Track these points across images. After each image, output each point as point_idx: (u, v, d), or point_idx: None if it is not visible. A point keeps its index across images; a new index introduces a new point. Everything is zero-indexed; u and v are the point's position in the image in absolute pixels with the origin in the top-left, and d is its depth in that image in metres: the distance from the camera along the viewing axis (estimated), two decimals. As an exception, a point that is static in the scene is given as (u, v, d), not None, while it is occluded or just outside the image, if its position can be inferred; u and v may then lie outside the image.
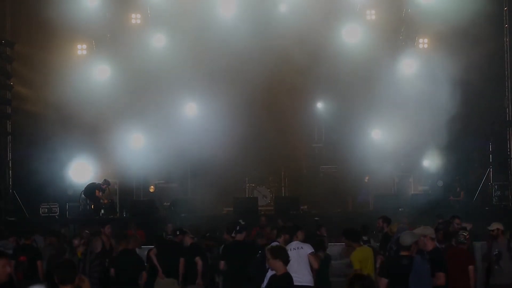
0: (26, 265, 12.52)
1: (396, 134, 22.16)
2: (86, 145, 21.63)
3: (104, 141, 21.71)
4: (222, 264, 11.74)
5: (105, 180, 21.44)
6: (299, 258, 10.24)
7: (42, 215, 20.66)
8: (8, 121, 23.06)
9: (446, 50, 21.28)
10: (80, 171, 22.25)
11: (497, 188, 21.54)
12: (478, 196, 21.80)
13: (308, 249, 10.68)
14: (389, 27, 22.94)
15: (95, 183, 21.35)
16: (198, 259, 12.43)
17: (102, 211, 20.95)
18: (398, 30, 23.29)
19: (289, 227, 11.83)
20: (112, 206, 21.53)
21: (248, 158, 22.31)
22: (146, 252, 13.12)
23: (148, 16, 23.36)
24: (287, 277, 8.29)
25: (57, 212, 20.77)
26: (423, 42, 23.22)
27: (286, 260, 8.31)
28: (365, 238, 12.11)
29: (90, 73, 22.72)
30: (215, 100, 22.20)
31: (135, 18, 23.41)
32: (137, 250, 13.01)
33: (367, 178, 23.03)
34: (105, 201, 21.15)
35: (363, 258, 11.01)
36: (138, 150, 22.47)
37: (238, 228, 11.81)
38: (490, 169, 22.46)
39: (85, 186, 21.19)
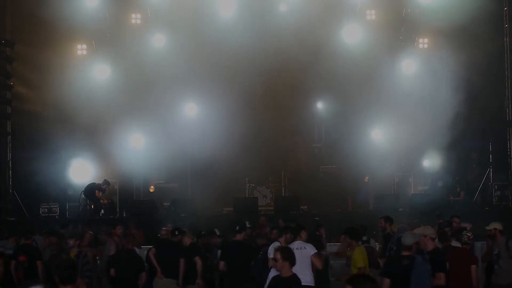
0: (26, 265, 12.51)
1: (396, 134, 22.17)
2: (86, 145, 21.60)
3: (104, 141, 21.72)
4: (222, 264, 11.74)
5: (105, 180, 21.45)
6: (302, 258, 10.21)
7: (42, 215, 20.66)
8: (8, 121, 23.01)
9: (446, 50, 21.25)
10: (80, 171, 22.22)
11: (497, 188, 21.52)
12: (478, 196, 21.80)
13: (311, 249, 10.66)
14: (389, 27, 22.92)
15: (95, 183, 21.34)
16: (197, 259, 12.44)
17: (102, 211, 20.96)
18: (398, 30, 23.28)
19: (292, 226, 11.79)
20: (112, 206, 21.53)
21: (248, 158, 22.27)
22: (145, 252, 13.11)
23: (148, 16, 23.35)
24: (296, 279, 8.23)
25: (57, 212, 20.78)
26: (423, 42, 23.22)
27: (294, 262, 8.27)
28: (364, 238, 12.12)
29: (90, 73, 22.71)
30: (215, 100, 22.21)
31: (135, 18, 23.40)
32: (137, 250, 13.02)
33: (367, 178, 23.01)
34: (105, 201, 21.15)
35: (364, 257, 11.02)
36: (138, 150, 22.46)
37: (237, 228, 11.82)
38: (490, 169, 22.44)
39: (85, 187, 21.19)
